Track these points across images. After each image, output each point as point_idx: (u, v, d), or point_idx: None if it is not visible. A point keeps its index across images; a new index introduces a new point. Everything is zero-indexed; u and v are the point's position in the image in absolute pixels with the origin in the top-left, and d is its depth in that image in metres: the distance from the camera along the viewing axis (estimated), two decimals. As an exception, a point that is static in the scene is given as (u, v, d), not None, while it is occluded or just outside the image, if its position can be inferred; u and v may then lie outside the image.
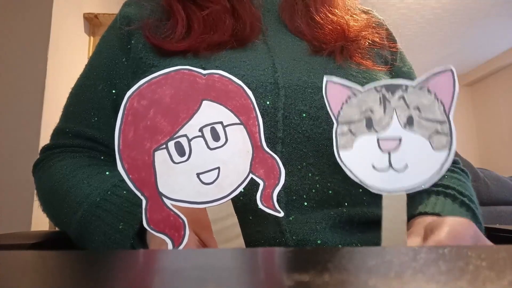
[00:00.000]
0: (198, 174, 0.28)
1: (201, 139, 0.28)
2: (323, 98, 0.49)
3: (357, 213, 0.46)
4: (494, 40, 4.23)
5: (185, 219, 0.27)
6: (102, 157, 0.54)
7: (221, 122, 0.28)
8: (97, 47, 0.60)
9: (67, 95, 0.59)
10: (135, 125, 0.27)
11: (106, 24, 1.90)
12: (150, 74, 0.51)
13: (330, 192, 0.45)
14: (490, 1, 3.36)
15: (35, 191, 0.56)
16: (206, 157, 0.28)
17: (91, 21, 1.95)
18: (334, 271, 0.16)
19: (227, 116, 0.29)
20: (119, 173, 0.47)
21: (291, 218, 0.43)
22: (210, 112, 0.28)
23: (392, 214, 0.30)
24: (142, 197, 0.27)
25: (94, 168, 0.49)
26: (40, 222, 1.45)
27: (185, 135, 0.27)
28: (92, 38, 1.98)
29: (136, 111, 0.27)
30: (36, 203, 0.56)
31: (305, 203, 0.44)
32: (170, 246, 0.27)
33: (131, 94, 0.27)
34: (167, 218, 0.27)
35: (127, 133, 0.27)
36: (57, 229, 0.55)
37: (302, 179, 0.45)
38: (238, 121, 0.29)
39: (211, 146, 0.28)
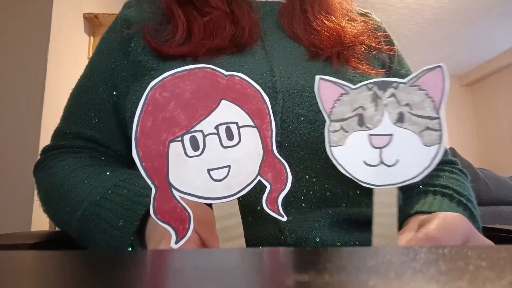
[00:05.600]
0: (209, 170, 0.28)
1: (216, 136, 0.28)
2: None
3: (355, 213, 0.46)
4: (494, 40, 4.23)
5: (191, 212, 0.28)
6: (103, 158, 0.54)
7: (236, 123, 0.29)
8: (98, 48, 0.59)
9: (67, 95, 0.59)
10: (154, 115, 0.27)
11: (106, 24, 1.90)
12: (149, 78, 0.51)
13: (328, 193, 0.46)
14: (490, 1, 3.36)
15: (36, 191, 0.56)
16: (219, 154, 0.28)
17: (91, 21, 1.95)
18: (334, 271, 0.16)
19: (243, 117, 0.29)
20: (120, 173, 0.48)
21: (290, 218, 0.43)
22: (227, 111, 0.29)
23: (383, 209, 0.30)
24: (152, 186, 0.27)
25: (95, 168, 0.50)
26: (40, 222, 1.45)
27: (201, 131, 0.28)
28: (92, 38, 1.98)
29: (157, 102, 0.27)
30: (36, 203, 0.56)
31: (303, 205, 0.45)
32: (173, 237, 0.27)
33: (154, 85, 0.27)
34: (174, 209, 0.27)
35: (145, 122, 0.27)
36: (57, 229, 0.55)
37: (299, 181, 0.45)
38: (252, 124, 0.29)
39: (225, 145, 0.28)
